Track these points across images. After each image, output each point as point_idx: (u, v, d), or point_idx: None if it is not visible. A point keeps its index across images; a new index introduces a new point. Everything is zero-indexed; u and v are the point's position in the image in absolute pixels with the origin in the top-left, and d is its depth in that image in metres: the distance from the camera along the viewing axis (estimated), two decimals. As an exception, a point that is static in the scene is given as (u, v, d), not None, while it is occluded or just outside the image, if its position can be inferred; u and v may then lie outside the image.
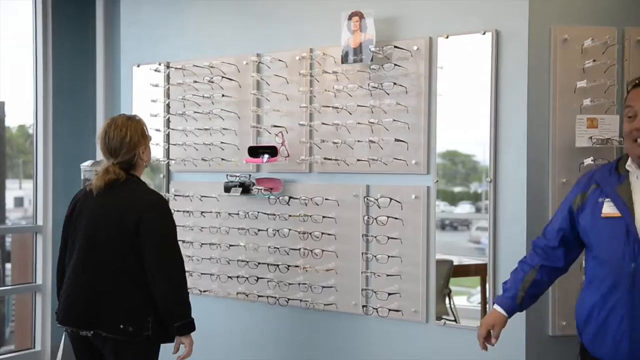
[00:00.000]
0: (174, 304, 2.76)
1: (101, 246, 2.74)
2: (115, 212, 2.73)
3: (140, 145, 2.81)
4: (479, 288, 3.16)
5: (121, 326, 2.68)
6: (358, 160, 3.25)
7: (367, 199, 3.24)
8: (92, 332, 2.72)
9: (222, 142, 3.67)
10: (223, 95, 3.66)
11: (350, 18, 3.22)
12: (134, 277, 2.72)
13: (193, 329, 2.80)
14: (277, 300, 3.49)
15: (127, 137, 2.78)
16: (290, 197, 3.44)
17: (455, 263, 3.26)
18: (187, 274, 3.77)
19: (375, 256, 3.22)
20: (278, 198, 3.47)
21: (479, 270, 3.12)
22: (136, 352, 2.74)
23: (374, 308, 3.24)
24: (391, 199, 3.17)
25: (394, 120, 3.16)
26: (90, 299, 2.73)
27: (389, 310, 3.20)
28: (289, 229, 3.45)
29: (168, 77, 3.91)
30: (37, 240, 4.66)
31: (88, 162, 4.09)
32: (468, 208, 3.21)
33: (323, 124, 3.35)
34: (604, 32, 2.96)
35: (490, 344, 2.48)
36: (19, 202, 5.82)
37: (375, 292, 3.24)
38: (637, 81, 2.28)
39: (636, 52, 2.99)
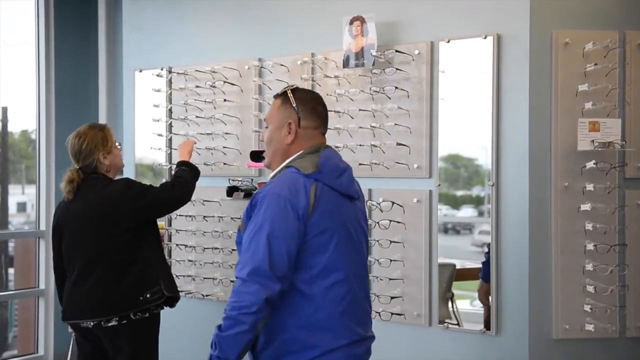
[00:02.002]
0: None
1: (87, 244, 2.96)
2: (89, 210, 2.97)
3: (99, 152, 3.04)
4: (481, 292, 3.16)
5: (141, 298, 2.91)
6: (360, 164, 3.26)
7: (369, 203, 3.25)
8: (93, 323, 2.90)
9: (224, 147, 3.68)
10: (225, 100, 3.67)
11: (351, 23, 3.23)
12: (125, 261, 2.93)
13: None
14: (280, 304, 3.49)
15: (85, 144, 3.04)
16: (292, 202, 3.43)
17: (457, 267, 3.26)
18: (190, 278, 3.81)
19: (377, 260, 3.22)
20: (280, 202, 3.47)
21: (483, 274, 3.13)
22: (135, 334, 2.93)
23: (376, 312, 3.24)
24: (393, 203, 3.17)
25: (395, 124, 3.16)
26: (89, 291, 2.94)
27: (392, 314, 3.19)
28: (292, 233, 3.44)
29: (170, 82, 3.92)
30: (40, 245, 4.67)
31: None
32: (470, 212, 3.22)
33: (325, 128, 3.36)
34: (605, 35, 2.96)
35: None
36: (21, 207, 5.83)
37: (377, 296, 3.24)
38: (279, 92, 2.25)
39: (637, 55, 2.99)
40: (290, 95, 2.19)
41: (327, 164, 2.12)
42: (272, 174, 2.21)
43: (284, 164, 2.17)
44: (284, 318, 2.04)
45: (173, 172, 3.31)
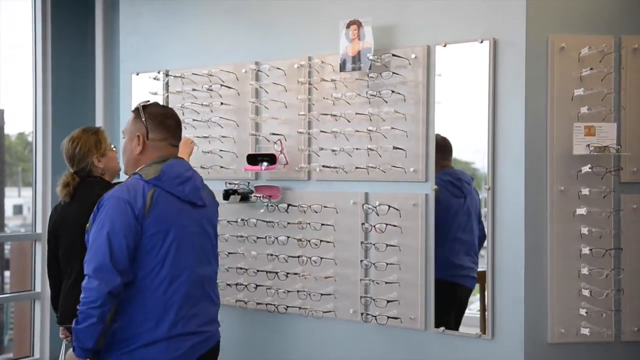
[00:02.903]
0: None
1: (85, 248, 2.92)
2: (87, 213, 2.94)
3: (92, 155, 3.10)
4: (477, 295, 3.16)
5: None
6: (356, 167, 3.26)
7: (366, 207, 3.25)
8: None
9: (220, 150, 3.68)
10: (222, 103, 3.68)
11: (348, 26, 3.24)
12: None
13: None
14: (276, 307, 3.49)
15: (78, 148, 3.10)
16: (289, 205, 3.44)
17: (454, 270, 3.27)
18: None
19: (373, 264, 3.23)
20: (277, 206, 3.48)
21: (477, 278, 3.13)
22: None
23: (372, 315, 3.24)
24: (390, 207, 3.18)
25: (392, 128, 3.17)
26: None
27: (388, 317, 3.20)
28: (288, 237, 3.45)
29: (167, 85, 3.92)
30: (36, 248, 4.66)
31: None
32: (466, 215, 3.22)
33: (322, 131, 3.36)
34: (601, 40, 2.97)
35: None
36: (17, 209, 5.83)
37: (374, 300, 3.24)
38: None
39: (633, 60, 3.01)
40: (140, 110, 2.49)
41: (169, 171, 2.39)
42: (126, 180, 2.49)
43: (134, 172, 2.45)
44: (117, 310, 2.30)
45: None
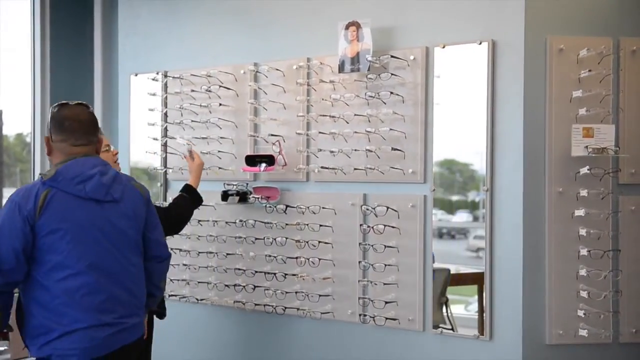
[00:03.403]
0: None
1: None
2: None
3: None
4: (476, 297, 3.16)
5: None
6: (355, 169, 3.26)
7: (364, 208, 3.25)
8: None
9: (219, 151, 3.68)
10: (220, 104, 3.67)
11: (347, 28, 3.24)
12: None
13: None
14: (274, 308, 3.49)
15: None
16: (287, 206, 3.44)
17: (452, 271, 3.27)
18: (184, 282, 3.80)
19: (372, 265, 3.23)
20: (275, 207, 3.47)
21: (476, 279, 3.13)
22: None
23: (370, 317, 3.24)
24: (388, 208, 3.18)
25: (390, 129, 3.17)
26: None
27: (386, 318, 3.20)
28: (286, 238, 3.45)
29: (166, 86, 3.92)
30: (34, 249, 4.65)
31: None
32: (465, 217, 3.22)
33: (320, 132, 3.36)
34: (599, 42, 2.97)
35: None
36: (16, 210, 5.78)
37: (372, 301, 3.24)
38: None
39: (631, 62, 3.01)
40: (51, 113, 2.58)
41: (65, 172, 2.45)
42: None
43: (40, 173, 2.54)
44: (30, 307, 2.43)
45: (173, 198, 3.38)
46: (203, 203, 3.47)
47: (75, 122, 2.56)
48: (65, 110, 2.57)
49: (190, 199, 3.35)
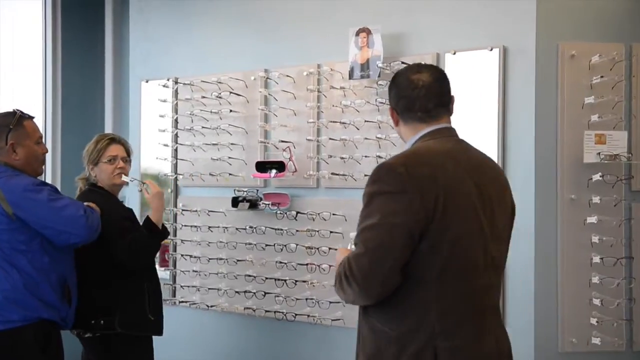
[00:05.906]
0: None
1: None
2: None
3: (85, 163, 3.13)
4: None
5: (92, 321, 2.90)
6: (365, 175, 3.23)
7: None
8: (76, 331, 2.97)
9: (229, 157, 3.69)
10: (231, 111, 3.68)
11: (357, 34, 3.24)
12: (88, 281, 2.94)
13: None
14: (285, 315, 3.48)
15: (83, 153, 3.16)
16: (297, 212, 3.44)
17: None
18: (194, 288, 3.80)
19: (382, 272, 3.21)
20: (285, 213, 3.47)
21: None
22: (98, 351, 2.99)
23: (381, 324, 3.23)
24: (399, 215, 3.16)
25: (401, 135, 3.16)
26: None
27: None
28: (297, 244, 3.45)
29: (176, 92, 3.93)
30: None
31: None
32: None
33: (330, 139, 3.36)
34: (611, 48, 2.96)
35: None
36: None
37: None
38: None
39: (644, 68, 3.00)
40: None
41: None
42: None
43: None
44: None
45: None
46: (213, 210, 3.46)
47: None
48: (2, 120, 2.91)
49: (148, 235, 2.99)
